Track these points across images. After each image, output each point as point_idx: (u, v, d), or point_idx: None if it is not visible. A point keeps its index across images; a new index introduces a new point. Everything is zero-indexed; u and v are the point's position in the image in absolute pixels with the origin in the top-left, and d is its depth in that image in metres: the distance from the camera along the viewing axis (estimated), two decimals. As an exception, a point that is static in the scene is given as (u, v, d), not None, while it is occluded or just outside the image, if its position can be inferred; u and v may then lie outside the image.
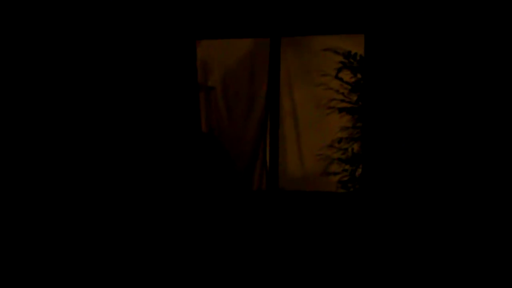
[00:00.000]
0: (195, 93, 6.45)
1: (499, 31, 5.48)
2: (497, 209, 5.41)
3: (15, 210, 6.32)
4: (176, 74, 6.41)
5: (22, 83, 6.45)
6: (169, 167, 6.35)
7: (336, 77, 5.93)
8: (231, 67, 6.47)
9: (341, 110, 5.93)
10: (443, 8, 5.61)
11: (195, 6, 6.31)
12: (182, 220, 6.19)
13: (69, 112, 6.39)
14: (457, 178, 5.53)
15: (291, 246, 5.94)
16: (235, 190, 6.39)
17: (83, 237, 6.17)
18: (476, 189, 5.47)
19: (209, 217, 6.20)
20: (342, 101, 5.93)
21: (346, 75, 5.92)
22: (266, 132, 6.38)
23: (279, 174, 6.33)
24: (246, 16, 6.24)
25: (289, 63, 6.33)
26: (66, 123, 6.39)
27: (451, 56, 5.62)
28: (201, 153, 6.43)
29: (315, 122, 6.21)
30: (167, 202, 6.26)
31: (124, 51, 6.37)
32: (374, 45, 5.88)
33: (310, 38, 6.21)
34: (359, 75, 5.88)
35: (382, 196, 5.76)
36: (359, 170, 5.90)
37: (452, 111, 5.57)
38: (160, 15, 6.33)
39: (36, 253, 6.08)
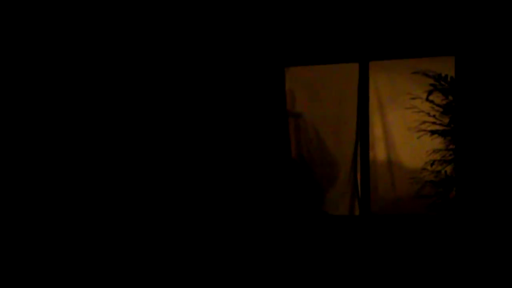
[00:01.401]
0: (284, 120, 6.50)
1: None
2: None
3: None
4: (265, 101, 6.48)
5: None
6: (259, 194, 6.39)
7: (427, 99, 5.92)
8: (320, 93, 6.52)
9: (433, 132, 5.91)
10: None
11: (283, 33, 6.39)
12: (274, 248, 6.22)
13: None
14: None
15: (385, 269, 5.90)
16: (327, 216, 6.40)
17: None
18: None
19: (302, 244, 6.21)
20: (434, 123, 5.91)
21: (437, 98, 5.91)
22: (357, 157, 6.38)
23: (371, 198, 6.31)
24: (333, 42, 6.28)
25: (378, 87, 6.33)
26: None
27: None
28: (291, 179, 6.47)
29: (406, 145, 6.19)
30: (258, 228, 6.30)
31: (215, 77, 6.48)
32: (465, 67, 5.82)
33: (399, 62, 6.20)
34: (450, 97, 5.85)
35: (477, 219, 5.68)
36: (453, 193, 5.84)
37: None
38: (249, 43, 6.43)
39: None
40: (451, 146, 5.86)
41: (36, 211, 6.37)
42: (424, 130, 5.93)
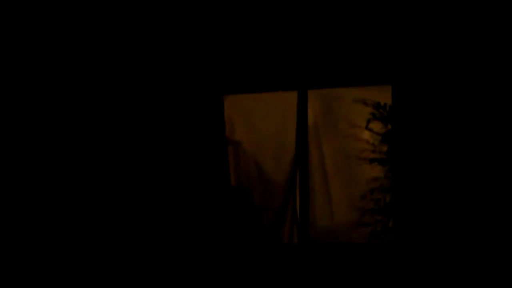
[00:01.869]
0: (223, 147, 6.46)
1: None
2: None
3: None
4: (204, 128, 6.43)
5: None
6: (198, 221, 6.33)
7: (366, 128, 5.96)
8: (258, 120, 6.51)
9: (372, 161, 5.94)
10: (470, 56, 5.65)
11: (222, 62, 6.37)
12: (213, 275, 6.16)
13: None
14: (496, 228, 5.50)
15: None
16: (265, 244, 6.37)
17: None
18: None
19: (240, 271, 6.17)
20: (373, 151, 5.95)
21: (376, 126, 5.95)
22: (296, 185, 6.37)
23: (310, 226, 6.31)
24: (272, 70, 6.30)
25: (317, 115, 6.35)
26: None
27: (482, 101, 5.63)
28: (230, 206, 6.42)
29: (345, 173, 6.22)
30: (194, 257, 6.23)
31: (152, 105, 6.41)
32: (402, 96, 5.89)
33: (337, 90, 6.25)
34: (389, 126, 5.90)
35: (416, 247, 5.72)
36: (392, 221, 5.88)
37: (487, 157, 5.56)
38: (188, 71, 6.38)
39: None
40: (389, 175, 5.89)
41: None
42: (364, 159, 5.96)
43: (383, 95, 5.96)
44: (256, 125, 6.52)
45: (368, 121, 5.95)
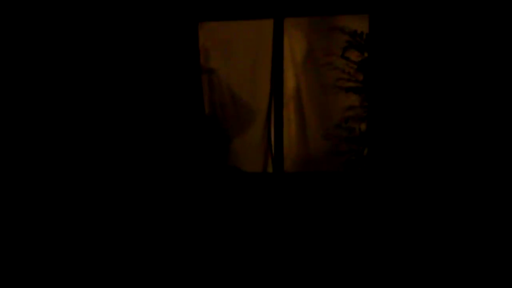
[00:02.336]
0: (197, 76, 6.40)
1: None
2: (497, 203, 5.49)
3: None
4: (178, 57, 6.36)
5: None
6: (173, 150, 6.31)
7: (342, 56, 5.92)
8: (234, 49, 6.43)
9: (347, 89, 5.92)
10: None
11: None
12: (183, 207, 6.16)
13: (59, 106, 6.35)
14: (463, 164, 5.57)
15: (298, 226, 5.93)
16: (241, 173, 6.37)
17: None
18: (482, 185, 5.51)
19: (215, 200, 6.18)
20: (349, 80, 5.93)
21: (353, 55, 5.92)
22: (271, 114, 6.35)
23: (285, 156, 6.31)
24: (248, -3, 6.23)
25: (293, 43, 6.29)
26: (58, 119, 6.35)
27: (457, 33, 5.63)
28: (204, 136, 6.40)
29: (321, 102, 6.20)
30: (166, 187, 6.23)
31: (123, 35, 6.31)
32: (379, 25, 5.87)
33: (314, 19, 6.18)
34: (365, 54, 5.88)
35: (389, 176, 5.77)
36: (366, 150, 5.91)
37: (460, 92, 5.60)
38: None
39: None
40: (365, 104, 5.89)
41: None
42: (339, 87, 5.94)
43: (360, 24, 5.93)
44: (232, 53, 6.44)
45: (344, 49, 5.91)
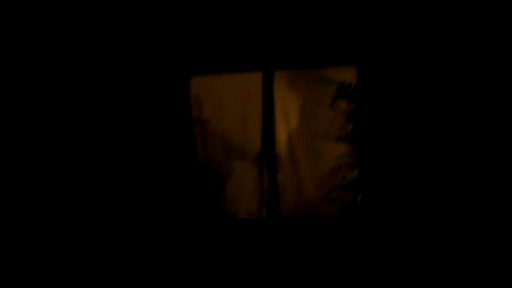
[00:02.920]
0: (190, 128, 6.57)
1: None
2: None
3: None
4: (171, 110, 6.53)
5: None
6: (167, 201, 6.45)
7: (331, 106, 6.14)
8: (225, 101, 6.60)
9: (338, 138, 6.14)
10: (434, 37, 5.87)
11: (187, 44, 6.44)
12: (179, 256, 6.31)
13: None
14: (458, 205, 5.78)
15: (294, 272, 6.11)
16: (235, 220, 6.53)
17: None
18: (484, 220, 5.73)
19: (209, 248, 6.33)
20: (339, 129, 6.14)
21: (341, 104, 6.14)
22: (264, 163, 6.53)
23: (279, 202, 6.49)
24: (237, 51, 6.40)
25: (283, 95, 6.49)
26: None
27: (443, 80, 5.86)
28: (198, 185, 6.56)
29: (313, 151, 6.39)
30: (165, 233, 6.36)
31: (118, 88, 6.46)
32: (366, 76, 6.09)
33: (303, 71, 6.39)
34: (354, 104, 6.10)
35: (382, 221, 5.97)
36: (359, 196, 6.12)
37: (449, 138, 5.82)
38: (153, 54, 6.45)
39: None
40: (356, 152, 6.10)
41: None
42: (330, 136, 6.15)
43: (348, 75, 6.14)
44: (223, 105, 6.62)
45: (333, 100, 6.14)
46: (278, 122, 6.48)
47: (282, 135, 6.51)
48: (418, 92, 5.91)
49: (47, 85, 6.43)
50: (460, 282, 5.69)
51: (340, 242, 6.07)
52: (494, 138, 5.76)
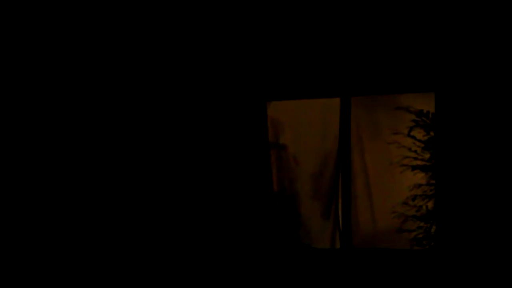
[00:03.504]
0: (266, 152, 6.54)
1: None
2: None
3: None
4: (248, 134, 6.53)
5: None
6: (241, 227, 6.42)
7: (409, 135, 6.00)
8: (301, 126, 6.58)
9: (414, 167, 5.99)
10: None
11: (266, 70, 6.46)
12: (257, 281, 6.25)
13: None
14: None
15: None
16: (309, 249, 6.44)
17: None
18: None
19: (284, 276, 6.24)
20: (415, 159, 5.99)
21: (419, 133, 6.00)
22: (338, 191, 6.43)
23: (353, 232, 6.36)
24: (315, 77, 6.36)
25: (360, 121, 6.40)
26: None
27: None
28: (273, 212, 6.50)
29: (387, 180, 6.26)
30: (240, 260, 6.32)
31: (198, 114, 6.52)
32: (445, 103, 5.91)
33: (380, 97, 6.29)
34: (431, 133, 5.94)
35: (458, 253, 5.75)
36: (434, 227, 5.92)
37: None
38: (233, 78, 6.49)
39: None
40: (432, 181, 5.93)
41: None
42: (406, 165, 6.00)
43: (426, 102, 6.00)
44: (299, 130, 6.59)
45: (411, 129, 6.01)
46: (354, 149, 6.38)
47: (357, 162, 6.41)
48: (500, 121, 5.68)
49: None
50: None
51: (413, 275, 5.86)
52: None
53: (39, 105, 6.58)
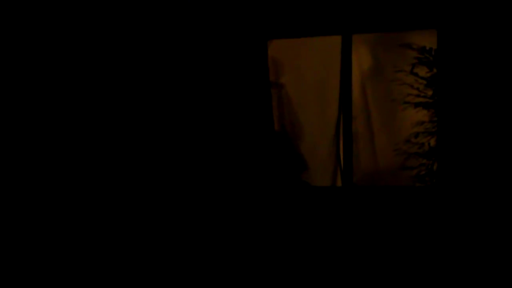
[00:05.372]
0: (267, 91, 6.51)
1: None
2: None
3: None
4: (248, 73, 6.48)
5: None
6: (242, 166, 6.43)
7: (411, 72, 5.98)
8: (302, 65, 6.53)
9: (416, 105, 5.98)
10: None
11: (265, 7, 6.38)
12: (257, 219, 6.28)
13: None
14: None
15: (369, 242, 5.99)
16: (309, 187, 6.46)
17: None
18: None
19: (284, 214, 6.28)
20: (418, 96, 5.98)
21: (421, 71, 5.97)
22: (340, 129, 6.43)
23: (354, 170, 6.38)
24: (316, 15, 6.29)
25: (361, 60, 6.36)
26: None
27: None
28: (274, 150, 6.51)
29: (390, 117, 6.25)
30: (241, 199, 6.35)
31: (198, 50, 6.46)
32: (447, 40, 5.88)
33: (382, 35, 6.24)
34: (434, 70, 5.92)
35: (460, 190, 5.79)
36: (436, 164, 5.94)
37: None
38: (231, 17, 6.41)
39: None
40: (434, 118, 5.93)
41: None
42: (408, 102, 6.00)
43: (429, 39, 5.96)
44: (300, 69, 6.55)
45: (413, 66, 5.98)
46: (355, 88, 6.36)
47: (359, 101, 6.40)
48: (502, 58, 5.67)
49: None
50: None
51: (415, 212, 5.90)
52: None
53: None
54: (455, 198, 5.75)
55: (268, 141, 6.50)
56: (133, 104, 6.49)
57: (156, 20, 6.50)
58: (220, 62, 6.45)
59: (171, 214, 6.30)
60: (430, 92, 5.95)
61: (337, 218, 6.18)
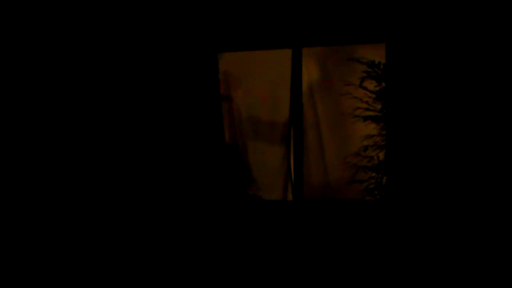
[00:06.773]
0: (217, 103, 6.48)
1: None
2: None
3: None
4: (199, 86, 6.45)
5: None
6: (192, 179, 6.38)
7: (360, 86, 6.00)
8: (253, 78, 6.53)
9: (366, 118, 6.00)
10: (460, 15, 5.67)
11: (217, 20, 6.37)
12: (206, 233, 6.23)
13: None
14: (484, 183, 5.58)
15: (320, 254, 5.98)
16: (260, 201, 6.44)
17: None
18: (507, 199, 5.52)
19: (234, 229, 6.24)
20: (367, 109, 6.00)
21: (370, 84, 6.00)
22: (290, 142, 6.43)
23: (305, 184, 6.38)
24: (266, 28, 6.30)
25: (311, 73, 6.38)
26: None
27: (474, 58, 5.65)
28: (224, 164, 6.47)
29: (340, 131, 6.27)
30: (190, 213, 6.29)
31: (146, 64, 6.41)
32: (395, 54, 5.91)
33: (332, 48, 6.27)
34: (383, 84, 5.95)
35: (408, 203, 5.81)
36: (385, 178, 5.96)
37: (481, 117, 5.61)
38: (182, 31, 6.38)
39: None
40: (383, 132, 5.95)
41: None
42: (358, 116, 6.01)
43: (377, 53, 5.99)
44: (251, 82, 6.55)
45: (362, 80, 6.00)
46: (306, 101, 6.37)
47: (309, 114, 6.40)
48: (450, 72, 5.71)
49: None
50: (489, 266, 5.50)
51: (364, 224, 5.91)
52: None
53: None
54: (403, 211, 5.77)
55: (219, 153, 6.46)
56: (89, 115, 6.44)
57: (106, 30, 6.45)
58: (170, 74, 6.40)
59: (113, 223, 6.25)
60: (379, 106, 5.97)
61: (287, 232, 6.16)
